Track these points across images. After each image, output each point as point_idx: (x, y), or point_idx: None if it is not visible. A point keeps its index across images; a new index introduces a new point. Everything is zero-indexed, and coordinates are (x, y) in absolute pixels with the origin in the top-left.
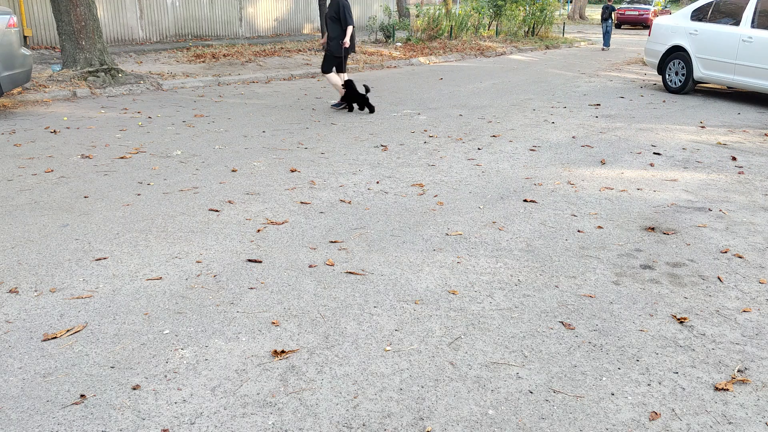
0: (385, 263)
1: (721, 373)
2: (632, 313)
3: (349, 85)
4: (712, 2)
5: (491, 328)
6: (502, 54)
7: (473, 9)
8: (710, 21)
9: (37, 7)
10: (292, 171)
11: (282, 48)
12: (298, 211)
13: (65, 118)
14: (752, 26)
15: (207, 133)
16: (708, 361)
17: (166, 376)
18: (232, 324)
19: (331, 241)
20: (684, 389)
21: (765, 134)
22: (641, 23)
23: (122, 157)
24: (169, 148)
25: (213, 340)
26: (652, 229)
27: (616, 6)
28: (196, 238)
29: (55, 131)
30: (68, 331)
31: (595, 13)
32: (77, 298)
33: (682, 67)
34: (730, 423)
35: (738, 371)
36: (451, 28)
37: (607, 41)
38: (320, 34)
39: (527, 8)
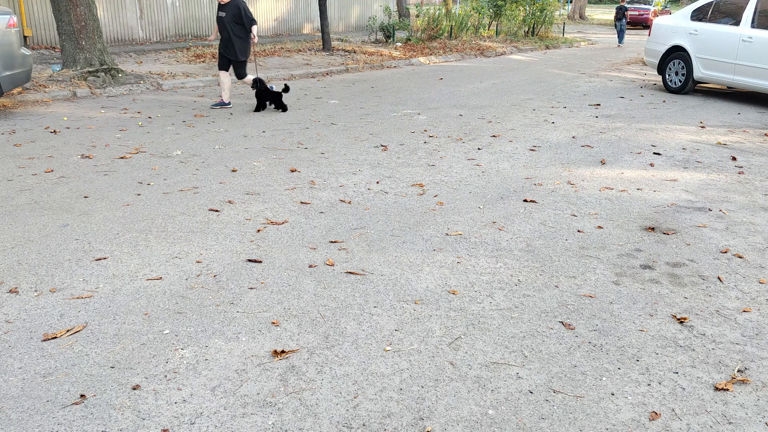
0: (385, 263)
1: (721, 373)
2: (632, 313)
3: (259, 83)
4: (712, 2)
5: (491, 328)
6: (502, 54)
7: (473, 9)
8: (710, 21)
9: (37, 7)
10: (292, 171)
11: (282, 48)
12: (298, 211)
13: (65, 118)
14: (752, 26)
15: (207, 133)
16: (708, 361)
17: (166, 376)
18: (232, 324)
19: (331, 241)
20: (684, 389)
21: (765, 134)
22: (641, 23)
23: (122, 157)
24: (169, 148)
25: (213, 340)
26: (652, 229)
27: (616, 6)
28: (196, 238)
29: (55, 131)
30: (68, 331)
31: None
32: (77, 298)
33: (682, 67)
34: (730, 423)
35: (738, 371)
36: (451, 28)
37: (621, 38)
38: (320, 34)
39: (527, 8)
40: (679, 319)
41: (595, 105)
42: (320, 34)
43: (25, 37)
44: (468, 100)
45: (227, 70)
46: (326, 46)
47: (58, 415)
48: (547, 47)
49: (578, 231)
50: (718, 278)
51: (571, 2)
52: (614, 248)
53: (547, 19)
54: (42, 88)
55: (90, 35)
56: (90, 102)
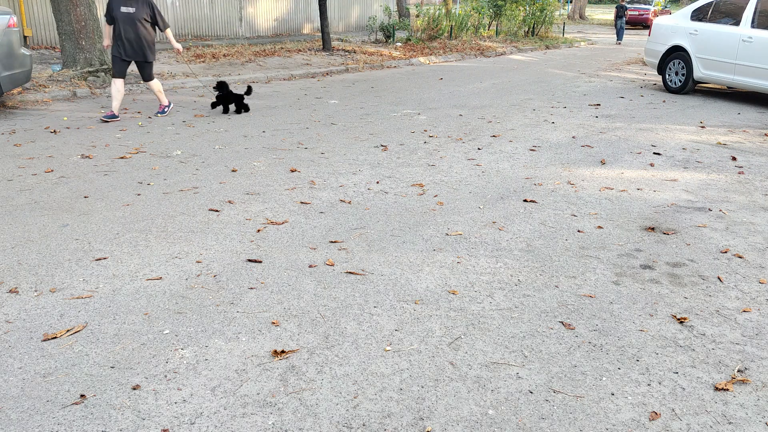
0: (385, 263)
1: (721, 373)
2: (632, 313)
3: (223, 86)
4: (712, 2)
5: (491, 328)
6: (502, 54)
7: (473, 9)
8: (710, 21)
9: (37, 7)
10: (292, 171)
11: (282, 48)
12: (298, 211)
13: (65, 118)
14: (752, 26)
15: (207, 133)
16: (708, 361)
17: (166, 376)
18: (232, 324)
19: (331, 241)
20: (684, 389)
21: (765, 134)
22: (641, 23)
23: (122, 157)
24: (169, 148)
25: (213, 340)
26: (652, 229)
27: (616, 6)
28: (196, 238)
29: (55, 131)
30: (68, 331)
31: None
32: (77, 298)
33: (682, 67)
34: (730, 423)
35: (738, 371)
36: (451, 28)
37: (620, 36)
38: (320, 34)
39: (527, 8)
40: (679, 319)
41: (595, 105)
42: (320, 34)
43: (25, 37)
44: (468, 100)
45: (125, 77)
46: (326, 46)
47: (58, 415)
48: (547, 47)
49: (578, 231)
50: (718, 278)
51: (571, 2)
52: (614, 248)
53: (547, 19)
54: (42, 88)
55: (90, 35)
56: (90, 102)
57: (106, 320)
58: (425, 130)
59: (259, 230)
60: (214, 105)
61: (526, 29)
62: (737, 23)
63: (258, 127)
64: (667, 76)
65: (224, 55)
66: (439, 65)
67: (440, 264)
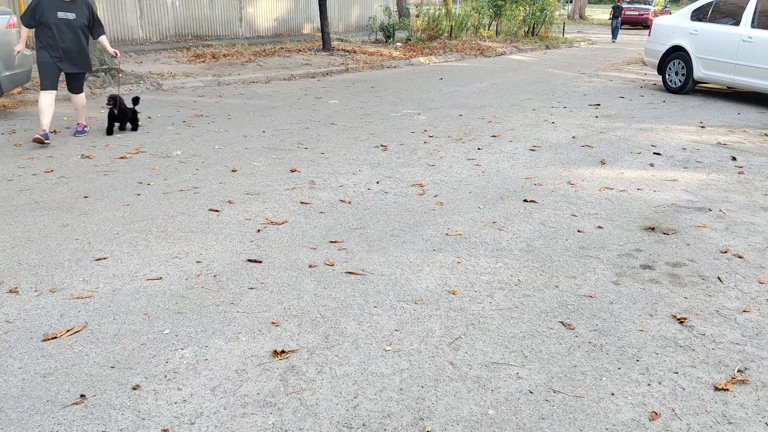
0: (385, 263)
1: (721, 373)
2: (632, 313)
3: (118, 100)
4: (712, 2)
5: (491, 328)
6: (502, 54)
7: (473, 9)
8: (710, 21)
9: None
10: (292, 171)
11: (282, 48)
12: (298, 211)
13: (65, 118)
14: (752, 26)
15: (207, 133)
16: (708, 361)
17: (166, 376)
18: (232, 324)
19: (331, 241)
20: (684, 389)
21: (765, 134)
22: (641, 23)
23: (122, 157)
24: (169, 148)
25: (213, 340)
26: (652, 229)
27: (613, 6)
28: (196, 238)
29: (54, 131)
30: (68, 331)
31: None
32: (77, 298)
33: (682, 67)
34: (730, 423)
35: (738, 371)
36: (451, 28)
37: (615, 35)
38: (320, 34)
39: (527, 8)
40: (679, 319)
41: (595, 105)
42: (320, 34)
43: None
44: (468, 100)
45: (57, 89)
46: (326, 46)
47: (58, 415)
48: (547, 47)
49: (578, 231)
50: (718, 278)
51: (571, 2)
52: (614, 248)
53: (547, 19)
54: None
55: None
56: (90, 102)
57: (106, 320)
58: (425, 130)
59: (259, 230)
60: (109, 129)
61: (526, 29)
62: (737, 23)
63: (258, 127)
64: (667, 76)
65: (224, 55)
66: (439, 65)
67: (440, 264)
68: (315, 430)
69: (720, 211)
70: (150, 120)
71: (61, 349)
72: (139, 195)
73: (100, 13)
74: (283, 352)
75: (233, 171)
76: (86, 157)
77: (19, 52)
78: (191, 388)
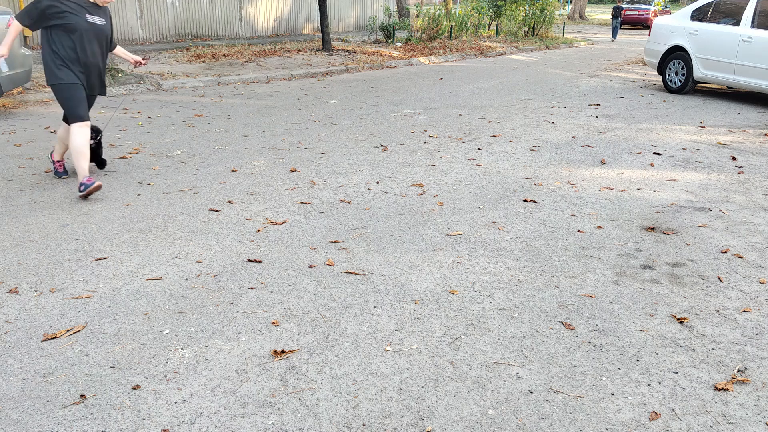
0: (385, 263)
1: (721, 373)
2: (632, 313)
3: (100, 135)
4: (712, 2)
5: (491, 328)
6: (502, 54)
7: (473, 9)
8: (710, 21)
9: None
10: (292, 171)
11: (282, 48)
12: (298, 211)
13: None
14: (752, 26)
15: (207, 133)
16: (708, 361)
17: (166, 376)
18: (232, 324)
19: (331, 241)
20: (684, 389)
21: (765, 134)
22: (641, 23)
23: (122, 157)
24: (169, 148)
25: (213, 340)
26: (652, 229)
27: (613, 6)
28: (196, 238)
29: (55, 131)
30: (68, 331)
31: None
32: (77, 298)
33: (682, 67)
34: (730, 423)
35: (738, 371)
36: (451, 28)
37: (615, 35)
38: (320, 34)
39: (527, 8)
40: (679, 319)
41: (595, 105)
42: (320, 34)
43: (25, 37)
44: (468, 100)
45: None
46: (326, 46)
47: (58, 415)
48: (547, 47)
49: (578, 231)
50: (718, 278)
51: (571, 2)
52: (614, 248)
53: (547, 19)
54: (42, 88)
55: None
56: None
57: (106, 320)
58: (425, 130)
59: (259, 230)
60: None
61: (526, 29)
62: (737, 23)
63: (258, 127)
64: (667, 76)
65: (224, 55)
66: (439, 65)
67: (440, 264)
68: (315, 430)
69: (720, 211)
70: (150, 120)
71: (61, 349)
72: (139, 195)
73: None
74: (283, 352)
75: (233, 171)
76: None
77: (4, 56)
78: (191, 388)
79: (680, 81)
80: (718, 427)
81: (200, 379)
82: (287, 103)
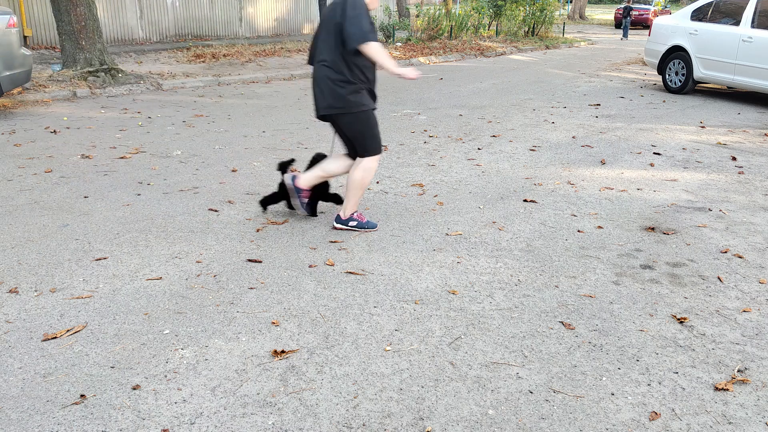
0: (385, 263)
1: (721, 373)
2: (632, 313)
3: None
4: (712, 2)
5: (491, 328)
6: (502, 54)
7: (473, 9)
8: (710, 21)
9: (37, 7)
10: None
11: (282, 48)
12: (298, 211)
13: (65, 118)
14: (752, 26)
15: (207, 133)
16: (708, 361)
17: (166, 376)
18: (232, 324)
19: (331, 241)
20: (684, 389)
21: (765, 134)
22: (641, 23)
23: (122, 157)
24: (169, 148)
25: (213, 340)
26: (652, 229)
27: (616, 6)
28: (196, 238)
29: (55, 131)
30: (68, 331)
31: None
32: (77, 298)
33: (682, 67)
34: (730, 423)
35: (738, 371)
36: (451, 28)
37: (625, 34)
38: None
39: (527, 8)
40: (679, 319)
41: (595, 105)
42: None
43: (25, 37)
44: (468, 100)
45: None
46: None
47: (58, 415)
48: (547, 47)
49: (578, 231)
50: (718, 278)
51: (571, 2)
52: (614, 248)
53: (547, 19)
54: (42, 88)
55: (90, 35)
56: (90, 102)
57: (106, 320)
58: (425, 130)
59: (258, 230)
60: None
61: (526, 29)
62: (737, 23)
63: (258, 127)
64: (667, 76)
65: (224, 55)
66: (439, 65)
67: (440, 264)
68: (315, 430)
69: (720, 211)
70: (150, 120)
71: (61, 349)
72: (139, 195)
73: (100, 13)
74: (283, 352)
75: (233, 171)
76: (86, 157)
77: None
78: (191, 388)
79: (680, 81)
80: (718, 427)
81: (200, 379)
82: (287, 103)
